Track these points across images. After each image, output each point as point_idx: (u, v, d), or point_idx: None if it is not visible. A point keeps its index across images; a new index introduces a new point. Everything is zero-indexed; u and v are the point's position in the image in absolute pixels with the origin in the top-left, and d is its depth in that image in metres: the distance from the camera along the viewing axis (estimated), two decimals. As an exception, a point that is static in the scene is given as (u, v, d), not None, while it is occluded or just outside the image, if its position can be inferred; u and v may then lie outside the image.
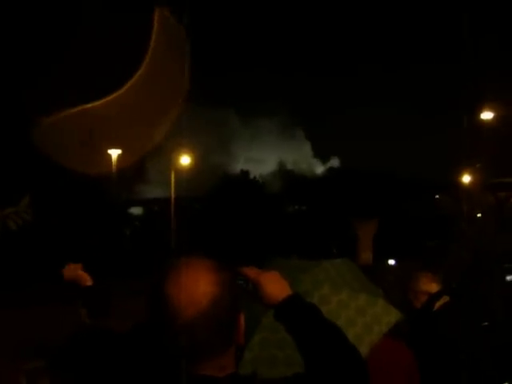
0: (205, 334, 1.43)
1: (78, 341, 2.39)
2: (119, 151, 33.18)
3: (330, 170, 60.36)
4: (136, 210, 51.22)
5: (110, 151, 32.95)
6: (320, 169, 68.68)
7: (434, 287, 4.00)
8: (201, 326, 1.42)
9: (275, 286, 1.74)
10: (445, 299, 3.97)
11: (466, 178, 30.40)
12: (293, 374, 1.60)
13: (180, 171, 36.01)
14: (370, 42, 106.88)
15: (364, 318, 2.38)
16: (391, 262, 24.28)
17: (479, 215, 21.40)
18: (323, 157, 74.67)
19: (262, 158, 70.65)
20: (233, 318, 1.50)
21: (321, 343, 1.64)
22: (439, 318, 3.86)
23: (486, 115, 28.41)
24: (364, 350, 2.28)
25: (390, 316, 2.46)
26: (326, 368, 1.59)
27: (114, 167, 32.91)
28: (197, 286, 1.44)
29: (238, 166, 59.62)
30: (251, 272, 1.78)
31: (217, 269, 1.50)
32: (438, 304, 3.93)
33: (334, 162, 68.72)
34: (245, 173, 52.65)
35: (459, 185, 29.77)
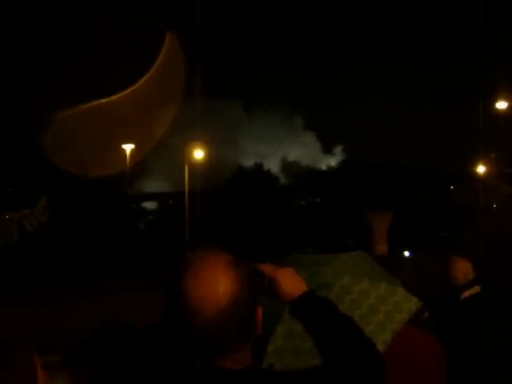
0: (224, 333, 1.43)
1: (96, 336, 2.39)
2: (132, 146, 33.44)
3: (344, 162, 60.20)
4: (149, 205, 51.35)
5: (123, 146, 33.18)
6: (334, 161, 68.62)
7: (461, 273, 3.96)
8: (220, 325, 1.42)
9: (291, 283, 1.74)
10: (475, 289, 3.94)
11: (481, 169, 30.23)
12: (310, 367, 1.60)
13: (193, 165, 36.01)
14: (384, 32, 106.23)
15: (385, 307, 2.39)
16: (406, 253, 24.25)
17: (495, 206, 21.28)
18: (337, 149, 74.73)
19: (272, 152, 70.62)
20: (251, 313, 1.50)
21: (335, 338, 1.65)
22: (464, 306, 3.85)
23: (501, 105, 28.22)
24: (387, 336, 2.30)
25: (411, 304, 2.47)
26: (342, 362, 1.60)
27: (127, 162, 33.12)
28: (216, 284, 1.44)
29: (247, 160, 59.38)
30: (267, 268, 1.77)
31: (234, 264, 1.49)
32: (467, 293, 3.91)
33: (348, 155, 68.69)
34: (259, 166, 52.63)
35: (474, 175, 29.61)
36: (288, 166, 66.42)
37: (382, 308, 2.38)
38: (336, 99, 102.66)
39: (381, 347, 2.14)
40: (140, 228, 47.00)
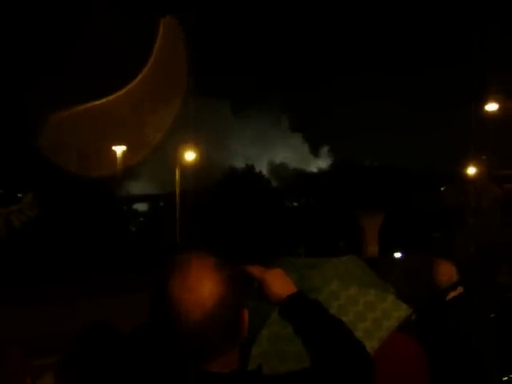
0: (211, 335, 1.43)
1: (83, 339, 2.39)
2: (124, 148, 33.36)
3: (336, 163, 60.30)
4: (140, 207, 51.21)
5: (114, 148, 33.09)
6: (324, 163, 68.72)
7: (445, 276, 3.98)
8: (207, 328, 1.42)
9: (279, 284, 1.75)
10: (459, 290, 3.95)
11: (472, 170, 30.34)
12: (299, 369, 1.61)
13: (183, 166, 35.93)
14: (376, 38, 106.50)
15: (373, 314, 2.37)
16: (397, 254, 24.32)
17: (485, 207, 21.35)
18: (328, 151, 74.91)
19: (260, 154, 70.49)
20: (238, 315, 1.50)
21: (325, 339, 1.66)
22: (449, 307, 3.86)
23: (491, 106, 28.32)
24: (374, 344, 2.28)
25: (400, 311, 2.45)
26: (331, 363, 1.60)
27: (119, 163, 33.05)
28: (202, 286, 1.44)
29: (235, 162, 58.96)
30: (256, 270, 1.78)
31: (220, 267, 1.49)
32: (451, 295, 3.92)
33: (339, 157, 68.76)
34: (250, 167, 52.62)
35: (465, 176, 29.72)
36: (277, 168, 66.47)
37: (370, 315, 2.36)
38: (328, 102, 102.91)
39: None
40: (131, 230, 46.93)
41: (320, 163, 68.98)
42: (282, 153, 74.16)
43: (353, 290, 2.41)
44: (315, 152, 77.07)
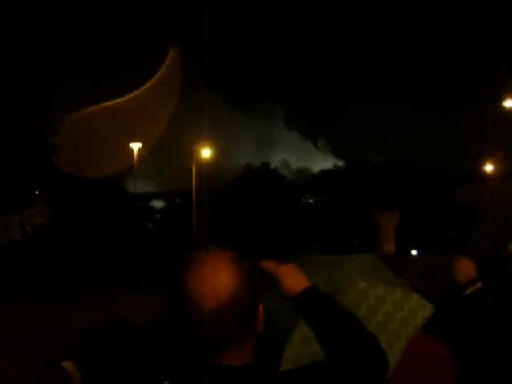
0: (225, 327, 1.46)
1: (98, 334, 2.41)
2: (140, 145, 33.47)
3: (349, 160, 60.13)
4: (156, 204, 51.24)
5: (131, 145, 33.19)
6: (342, 161, 68.52)
7: (464, 273, 3.99)
8: (221, 319, 1.45)
9: (293, 279, 1.78)
10: (477, 286, 3.97)
11: (489, 167, 30.15)
12: (312, 364, 1.64)
13: (190, 165, 35.91)
14: (396, 35, 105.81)
15: (401, 313, 2.37)
16: (414, 252, 24.24)
17: (501, 205, 21.22)
18: (346, 149, 74.73)
19: (269, 152, 70.11)
20: (252, 309, 1.53)
21: (337, 333, 1.68)
22: (467, 303, 3.87)
23: (509, 103, 28.13)
24: (402, 344, 2.28)
25: (425, 310, 2.45)
26: (344, 356, 1.62)
27: (135, 160, 33.14)
28: (217, 279, 1.47)
29: (242, 161, 58.43)
30: (270, 265, 1.81)
31: (236, 260, 1.53)
32: (469, 290, 3.94)
33: (352, 153, 68.58)
34: (266, 164, 52.57)
35: (481, 174, 29.55)
36: (286, 165, 66.32)
37: (398, 315, 2.37)
38: (338, 98, 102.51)
39: (397, 355, 2.13)
40: (148, 227, 47.09)
41: (333, 160, 68.85)
42: (291, 150, 74.08)
43: (380, 290, 2.41)
44: (326, 149, 77.04)
